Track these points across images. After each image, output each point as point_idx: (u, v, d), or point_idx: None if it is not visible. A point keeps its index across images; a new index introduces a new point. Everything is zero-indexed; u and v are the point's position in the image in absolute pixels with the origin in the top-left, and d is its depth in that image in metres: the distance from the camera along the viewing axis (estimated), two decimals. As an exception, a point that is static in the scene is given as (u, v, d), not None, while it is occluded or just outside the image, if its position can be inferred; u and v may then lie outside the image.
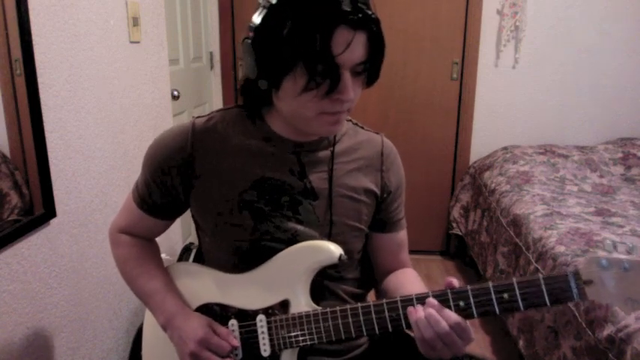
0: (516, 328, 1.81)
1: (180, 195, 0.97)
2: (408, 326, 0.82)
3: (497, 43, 2.82)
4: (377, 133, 1.04)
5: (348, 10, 0.76)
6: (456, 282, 0.81)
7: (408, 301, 0.82)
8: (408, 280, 1.02)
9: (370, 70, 0.84)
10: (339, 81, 0.79)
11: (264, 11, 0.80)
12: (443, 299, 0.80)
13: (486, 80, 2.87)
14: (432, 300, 0.80)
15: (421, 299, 0.82)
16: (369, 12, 0.79)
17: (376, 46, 0.82)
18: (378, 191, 1.00)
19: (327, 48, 0.76)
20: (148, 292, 0.99)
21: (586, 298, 0.75)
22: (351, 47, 0.77)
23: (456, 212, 2.89)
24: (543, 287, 0.76)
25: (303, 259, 0.91)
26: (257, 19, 0.81)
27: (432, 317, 0.78)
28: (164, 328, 0.96)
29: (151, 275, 1.00)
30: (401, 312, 0.83)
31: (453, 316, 0.78)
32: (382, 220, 1.03)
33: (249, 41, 0.82)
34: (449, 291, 0.81)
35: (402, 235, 1.07)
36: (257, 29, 0.81)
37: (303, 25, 0.76)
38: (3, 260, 1.12)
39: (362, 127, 1.03)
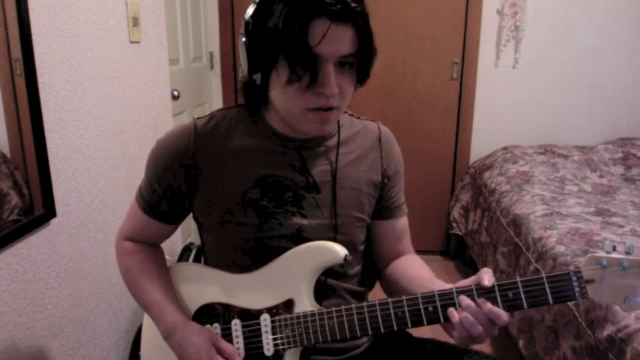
0: (516, 328, 1.80)
1: (185, 196, 0.97)
2: (413, 324, 0.83)
3: (497, 43, 2.82)
4: (373, 121, 1.04)
5: (329, 1, 0.76)
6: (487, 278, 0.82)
7: (413, 300, 0.83)
8: (413, 266, 1.01)
9: (359, 66, 0.84)
10: (318, 73, 0.79)
11: (255, 6, 0.83)
12: (448, 297, 0.81)
13: (486, 80, 2.87)
14: (464, 298, 0.81)
15: (427, 297, 0.82)
16: (353, 4, 0.78)
17: (363, 41, 0.81)
18: (378, 178, 1.01)
19: (304, 39, 0.77)
20: (147, 303, 0.97)
21: (587, 297, 0.76)
22: (330, 39, 0.77)
23: (456, 212, 2.89)
24: (547, 286, 0.77)
25: (309, 260, 0.91)
26: (248, 14, 0.84)
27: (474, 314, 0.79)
28: (164, 339, 0.95)
29: (150, 285, 0.98)
30: (406, 310, 0.83)
31: (495, 309, 0.79)
32: (383, 207, 1.03)
33: (242, 36, 0.84)
34: (454, 289, 0.82)
35: (403, 221, 1.07)
36: (247, 24, 0.83)
37: (283, 16, 0.77)
38: (3, 260, 1.12)
39: (358, 118, 1.04)
